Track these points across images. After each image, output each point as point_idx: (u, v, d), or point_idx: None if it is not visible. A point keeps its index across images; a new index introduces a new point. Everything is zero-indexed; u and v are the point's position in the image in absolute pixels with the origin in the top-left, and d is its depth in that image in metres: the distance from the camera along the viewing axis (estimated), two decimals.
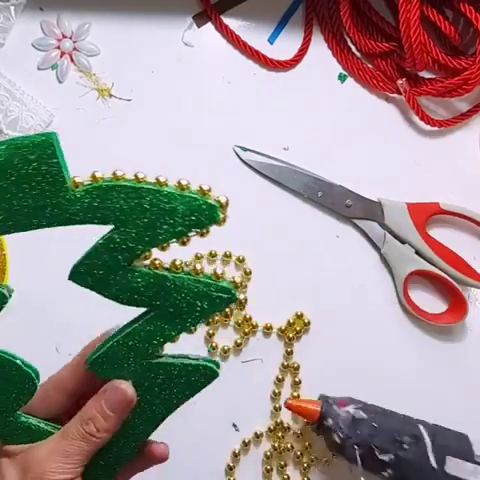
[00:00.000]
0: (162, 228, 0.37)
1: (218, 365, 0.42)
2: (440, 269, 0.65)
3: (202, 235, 0.38)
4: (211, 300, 0.39)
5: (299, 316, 0.65)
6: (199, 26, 0.68)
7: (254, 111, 0.67)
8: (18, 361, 0.39)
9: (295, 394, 0.64)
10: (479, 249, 0.67)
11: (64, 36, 0.67)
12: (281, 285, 0.66)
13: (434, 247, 0.65)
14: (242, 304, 0.39)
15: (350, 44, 0.69)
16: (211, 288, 0.39)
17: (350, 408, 0.58)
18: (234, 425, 0.64)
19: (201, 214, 0.37)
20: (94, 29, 0.67)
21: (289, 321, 0.65)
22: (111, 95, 0.67)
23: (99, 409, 0.40)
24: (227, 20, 0.68)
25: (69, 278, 0.38)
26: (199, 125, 0.67)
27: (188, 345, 0.64)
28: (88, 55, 0.67)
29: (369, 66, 0.69)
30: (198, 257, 0.64)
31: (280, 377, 0.64)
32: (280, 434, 0.63)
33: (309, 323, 0.65)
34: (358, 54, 0.69)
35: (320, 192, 0.66)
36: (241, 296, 0.39)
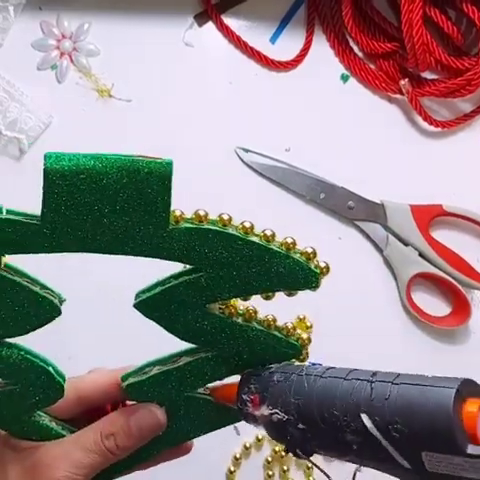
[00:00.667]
0: (255, 283, 0.35)
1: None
2: (443, 271, 0.64)
3: (289, 294, 0.37)
4: (276, 354, 0.38)
5: (301, 319, 0.65)
6: (200, 26, 0.67)
7: (255, 112, 0.67)
8: (50, 368, 0.38)
9: None
10: None
11: (64, 36, 0.66)
12: None
13: (437, 249, 0.64)
14: (302, 361, 0.39)
15: (352, 44, 0.68)
16: (280, 343, 0.38)
17: (265, 410, 0.45)
18: (235, 428, 0.64)
19: (300, 279, 0.35)
20: (94, 29, 0.66)
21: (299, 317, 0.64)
22: (111, 96, 0.66)
23: (125, 426, 0.38)
24: (228, 20, 0.68)
25: (135, 306, 0.37)
26: (200, 126, 0.66)
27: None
28: (88, 55, 0.66)
29: (371, 66, 0.68)
30: None
31: None
32: None
33: (311, 326, 0.65)
34: (360, 54, 0.69)
35: (322, 194, 0.66)
36: (304, 352, 0.39)
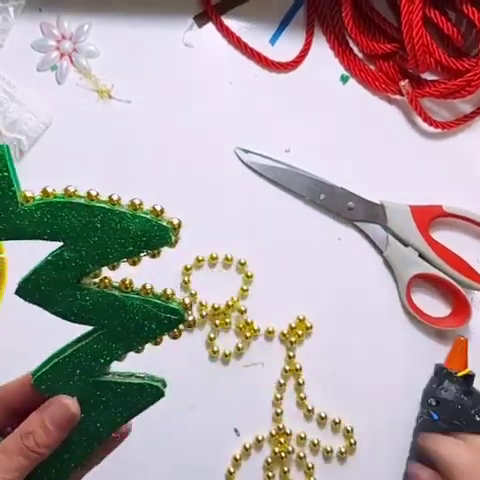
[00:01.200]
0: (113, 247, 0.37)
1: (165, 384, 0.41)
2: (443, 272, 0.64)
3: (153, 256, 0.38)
4: (159, 321, 0.39)
5: (301, 320, 0.65)
6: (200, 27, 0.67)
7: (255, 113, 0.67)
8: None
9: (301, 395, 0.63)
10: None
11: (63, 37, 0.66)
12: (282, 288, 0.65)
13: (437, 250, 0.64)
14: (191, 326, 0.40)
15: (352, 45, 0.68)
16: (160, 309, 0.38)
17: None
18: (235, 430, 0.63)
19: (152, 235, 0.37)
20: (94, 30, 0.66)
21: (291, 325, 0.64)
22: (111, 96, 0.66)
23: (41, 423, 0.39)
24: (228, 21, 0.68)
25: (15, 293, 0.38)
26: (200, 127, 0.66)
27: (189, 348, 0.63)
28: (88, 56, 0.66)
29: (371, 67, 0.68)
30: (199, 260, 0.64)
31: (282, 382, 0.64)
32: (282, 439, 0.63)
33: (311, 327, 0.65)
34: (360, 55, 0.69)
35: (322, 194, 0.66)
36: (190, 318, 0.40)
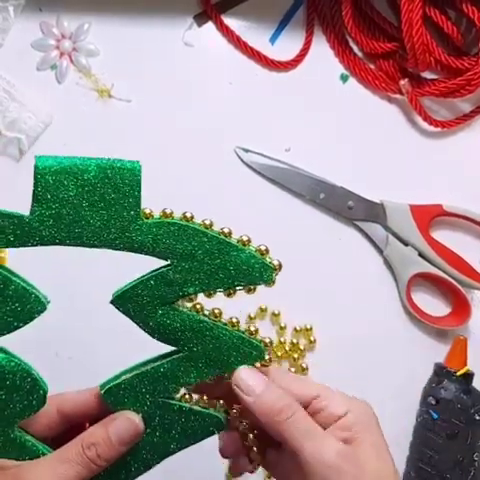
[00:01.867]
0: (217, 276, 0.38)
1: (227, 412, 0.42)
2: (443, 271, 0.64)
3: (248, 291, 0.39)
4: (241, 354, 0.40)
5: (308, 329, 0.65)
6: (200, 26, 0.67)
7: (255, 112, 0.67)
8: (34, 373, 0.39)
9: None
10: None
11: (63, 36, 0.66)
12: (282, 288, 0.65)
13: (437, 249, 0.64)
14: (266, 366, 0.41)
15: (352, 44, 0.68)
16: (244, 343, 0.40)
17: None
18: None
19: (256, 271, 0.39)
20: (94, 29, 0.66)
21: (293, 341, 0.65)
22: (111, 96, 0.66)
23: (105, 436, 0.39)
24: (228, 20, 0.68)
25: (111, 302, 0.39)
26: (200, 126, 0.66)
27: None
28: (88, 55, 0.66)
29: (371, 66, 0.68)
30: None
31: None
32: None
33: (311, 329, 0.65)
34: (360, 54, 0.69)
35: (322, 194, 0.66)
36: (267, 357, 0.41)
